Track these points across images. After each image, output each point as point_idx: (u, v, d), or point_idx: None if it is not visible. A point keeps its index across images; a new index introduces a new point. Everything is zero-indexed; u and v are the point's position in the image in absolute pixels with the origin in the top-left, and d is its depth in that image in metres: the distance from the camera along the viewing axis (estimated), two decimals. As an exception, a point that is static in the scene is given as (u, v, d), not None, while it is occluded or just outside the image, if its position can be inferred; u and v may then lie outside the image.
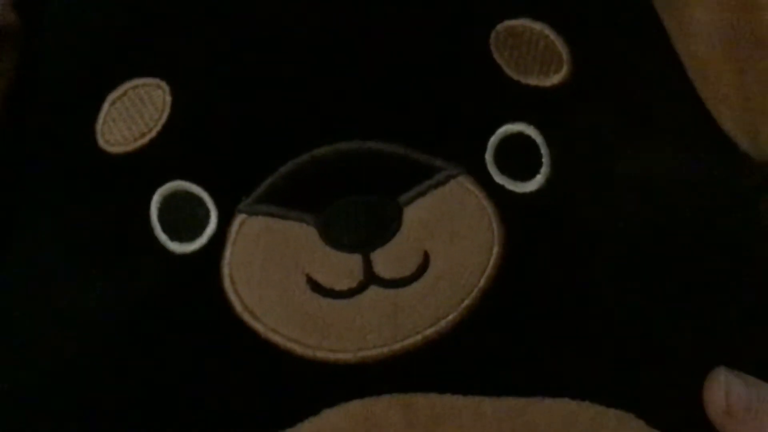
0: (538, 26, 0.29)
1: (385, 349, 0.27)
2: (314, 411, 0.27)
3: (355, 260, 0.27)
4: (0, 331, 0.30)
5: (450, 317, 0.27)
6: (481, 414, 0.27)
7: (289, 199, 0.28)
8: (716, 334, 0.29)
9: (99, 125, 0.29)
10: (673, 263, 0.29)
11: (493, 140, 0.28)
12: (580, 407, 0.27)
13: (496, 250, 0.27)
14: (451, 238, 0.27)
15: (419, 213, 0.27)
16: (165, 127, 0.29)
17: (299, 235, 0.27)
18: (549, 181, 0.28)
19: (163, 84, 0.29)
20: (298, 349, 0.27)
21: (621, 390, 0.27)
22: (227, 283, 0.27)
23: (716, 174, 0.31)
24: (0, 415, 0.30)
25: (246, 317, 0.27)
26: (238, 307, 0.27)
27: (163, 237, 0.28)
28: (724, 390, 0.28)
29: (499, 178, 0.28)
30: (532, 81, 0.29)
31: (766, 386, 0.29)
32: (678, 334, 0.28)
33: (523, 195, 0.28)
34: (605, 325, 0.28)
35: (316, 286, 0.27)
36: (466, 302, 0.27)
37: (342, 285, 0.27)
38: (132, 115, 0.29)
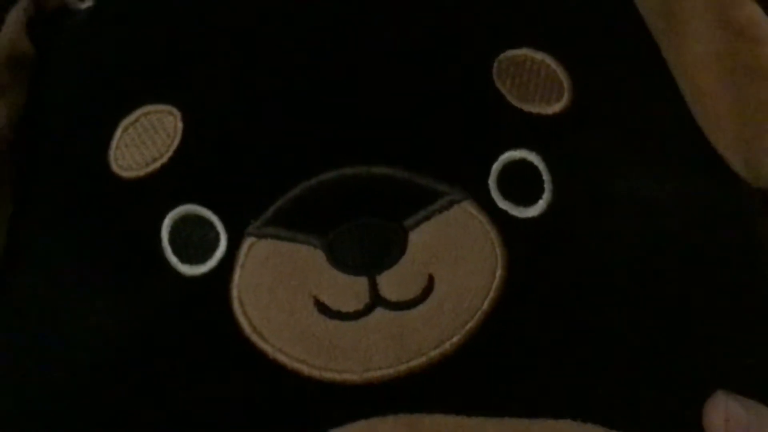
0: (539, 56, 0.30)
1: (391, 370, 0.27)
2: (321, 430, 0.27)
3: (361, 283, 0.28)
4: (11, 350, 0.31)
5: (454, 339, 0.27)
6: None
7: (297, 223, 0.28)
8: (718, 357, 0.29)
9: (112, 150, 0.30)
10: (674, 286, 0.29)
11: (496, 166, 0.29)
12: (582, 429, 0.27)
13: (499, 273, 0.28)
14: (456, 261, 0.28)
15: (424, 237, 0.28)
16: (176, 152, 0.29)
17: (307, 258, 0.28)
18: (551, 207, 0.29)
19: (175, 111, 0.30)
20: (306, 370, 0.27)
21: (623, 412, 0.28)
22: (236, 305, 0.28)
23: (716, 198, 0.31)
24: (11, 428, 0.30)
25: (254, 338, 0.28)
26: (247, 329, 0.28)
27: (173, 259, 0.29)
28: (723, 414, 0.28)
29: (502, 204, 0.28)
30: (534, 109, 0.29)
31: (765, 410, 0.29)
32: (680, 356, 0.29)
33: (526, 220, 0.28)
34: (607, 347, 0.28)
35: (323, 308, 0.28)
36: (470, 325, 0.27)
37: (348, 307, 0.27)
38: (144, 140, 0.30)
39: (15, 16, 0.32)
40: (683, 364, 0.29)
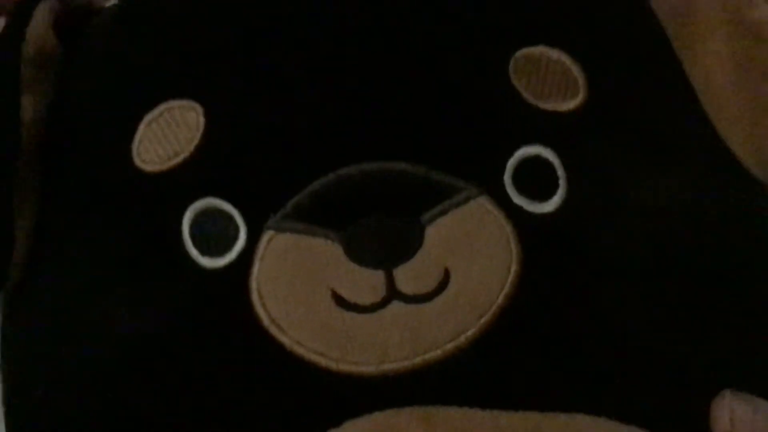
0: (555, 53, 0.30)
1: (407, 363, 0.27)
2: (336, 422, 0.27)
3: (378, 276, 0.28)
4: (33, 345, 0.31)
5: (469, 333, 0.27)
6: (498, 427, 0.27)
7: (316, 217, 0.28)
8: (728, 356, 0.29)
9: (135, 145, 0.30)
10: (686, 286, 0.29)
11: (512, 162, 0.29)
12: (595, 423, 0.27)
13: (514, 268, 0.28)
14: (471, 256, 0.28)
15: (440, 231, 0.28)
16: (198, 147, 0.30)
17: (324, 252, 0.28)
18: (565, 202, 0.29)
19: (197, 106, 0.30)
20: (323, 362, 0.27)
21: (635, 407, 0.28)
22: (255, 297, 0.28)
23: (731, 199, 0.31)
24: (32, 424, 0.31)
25: (273, 330, 0.28)
26: (265, 321, 0.28)
27: (194, 252, 0.29)
28: (729, 414, 0.28)
29: (517, 199, 0.29)
30: (550, 106, 0.30)
31: None
32: (690, 354, 0.29)
33: (541, 215, 0.29)
34: (619, 342, 0.28)
35: (340, 301, 0.28)
36: (485, 318, 0.28)
37: (365, 300, 0.28)
38: (167, 135, 0.30)
39: (42, 13, 0.32)
40: (694, 362, 0.29)
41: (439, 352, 0.27)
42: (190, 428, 0.28)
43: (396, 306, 0.28)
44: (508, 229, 0.28)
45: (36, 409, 0.31)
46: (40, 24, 0.32)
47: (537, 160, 0.29)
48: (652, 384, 0.28)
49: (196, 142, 0.30)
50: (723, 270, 0.30)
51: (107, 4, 0.35)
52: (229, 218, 0.29)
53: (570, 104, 0.30)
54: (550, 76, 0.30)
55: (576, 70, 0.30)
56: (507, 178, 0.29)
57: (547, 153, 0.29)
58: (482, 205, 0.28)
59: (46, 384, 0.30)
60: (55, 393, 0.30)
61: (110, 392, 0.29)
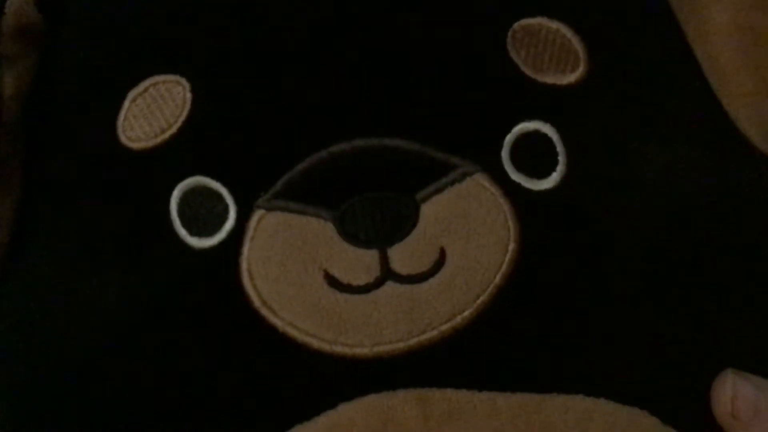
0: (554, 25, 0.30)
1: (402, 344, 0.27)
2: (331, 405, 0.27)
3: (372, 256, 0.27)
4: (21, 326, 0.31)
5: (466, 313, 0.27)
6: (495, 409, 0.27)
7: (307, 195, 0.28)
8: (730, 335, 0.29)
9: (120, 121, 0.30)
10: (687, 263, 0.29)
11: (509, 138, 0.28)
12: (594, 404, 0.27)
13: (511, 247, 0.28)
14: (468, 235, 0.28)
15: (436, 210, 0.28)
16: (185, 123, 0.29)
17: (317, 231, 0.28)
18: (564, 179, 0.28)
19: (184, 81, 0.29)
20: (316, 344, 0.27)
21: (635, 388, 0.28)
22: (245, 278, 0.28)
23: (733, 174, 0.31)
24: (20, 408, 0.30)
25: (264, 312, 0.27)
26: (256, 302, 0.28)
27: (182, 232, 0.29)
28: (731, 393, 0.28)
29: (515, 176, 0.28)
30: (549, 79, 0.29)
31: None
32: (692, 333, 0.29)
33: (539, 193, 0.28)
34: (619, 323, 0.28)
35: (333, 282, 0.27)
36: (482, 299, 0.27)
37: (359, 280, 0.27)
38: (153, 111, 0.29)
39: (23, -14, 0.32)
40: (695, 341, 0.29)
41: (435, 333, 0.27)
42: (180, 410, 0.28)
43: (390, 287, 0.27)
44: (506, 206, 0.28)
45: (23, 390, 0.30)
46: None
47: (536, 135, 0.29)
48: (652, 364, 0.28)
49: (183, 118, 0.29)
50: (725, 246, 0.30)
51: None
52: (218, 197, 0.28)
53: (570, 78, 0.29)
54: (550, 49, 0.29)
55: (576, 42, 0.30)
56: (505, 154, 0.28)
57: (546, 128, 0.29)
58: (479, 183, 0.28)
59: (34, 365, 0.30)
60: (42, 374, 0.30)
61: (98, 373, 0.29)
